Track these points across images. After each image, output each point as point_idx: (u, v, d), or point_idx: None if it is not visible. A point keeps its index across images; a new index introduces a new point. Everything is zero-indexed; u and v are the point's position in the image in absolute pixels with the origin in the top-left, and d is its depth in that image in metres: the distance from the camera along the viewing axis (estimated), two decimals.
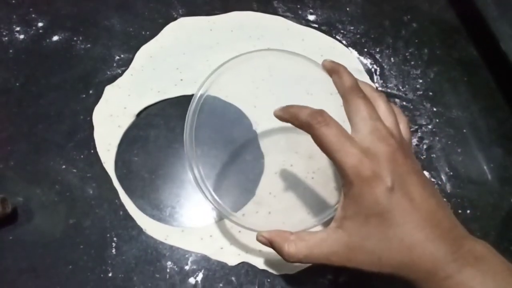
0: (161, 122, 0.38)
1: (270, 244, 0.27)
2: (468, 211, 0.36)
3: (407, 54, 0.46)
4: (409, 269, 0.22)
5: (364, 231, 0.23)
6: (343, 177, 0.24)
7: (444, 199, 0.26)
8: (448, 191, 0.37)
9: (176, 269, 0.32)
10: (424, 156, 0.39)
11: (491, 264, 0.22)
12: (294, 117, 0.27)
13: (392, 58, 0.45)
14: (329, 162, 0.37)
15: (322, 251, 0.25)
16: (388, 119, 0.26)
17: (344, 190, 0.24)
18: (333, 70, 0.29)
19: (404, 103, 0.42)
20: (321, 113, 0.25)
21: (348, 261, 0.24)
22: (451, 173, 0.38)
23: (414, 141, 0.40)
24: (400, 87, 0.43)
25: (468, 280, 0.21)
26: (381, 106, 0.27)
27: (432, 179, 0.38)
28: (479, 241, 0.23)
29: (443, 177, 0.38)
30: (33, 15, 0.43)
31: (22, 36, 0.42)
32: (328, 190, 0.36)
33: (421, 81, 0.44)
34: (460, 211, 0.36)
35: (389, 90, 0.43)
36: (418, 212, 0.22)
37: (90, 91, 0.39)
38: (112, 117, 0.38)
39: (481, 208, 0.37)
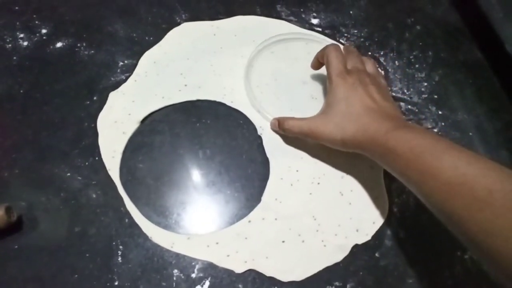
0: (166, 128, 0.38)
1: (277, 122, 0.37)
2: None
3: (411, 57, 0.45)
4: (361, 137, 0.32)
5: (335, 110, 0.34)
6: (329, 79, 0.36)
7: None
8: None
9: (183, 277, 0.32)
10: None
11: (420, 129, 0.32)
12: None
13: (396, 61, 0.45)
14: (334, 168, 0.37)
15: (307, 123, 0.35)
16: (370, 67, 0.38)
17: (328, 88, 0.36)
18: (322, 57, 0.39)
19: (409, 106, 0.42)
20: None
21: (323, 130, 0.34)
22: None
23: None
24: (405, 91, 0.43)
25: (402, 133, 0.30)
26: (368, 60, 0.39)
27: None
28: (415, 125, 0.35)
29: None
30: (36, 22, 0.43)
31: (26, 43, 0.41)
32: (334, 196, 0.36)
33: (426, 84, 0.44)
34: None
35: (393, 94, 0.43)
36: (371, 102, 0.33)
37: (94, 98, 0.39)
38: (116, 123, 0.38)
39: None
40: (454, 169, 0.26)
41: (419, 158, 0.28)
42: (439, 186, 0.27)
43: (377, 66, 0.41)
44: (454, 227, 0.27)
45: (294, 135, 0.37)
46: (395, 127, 0.31)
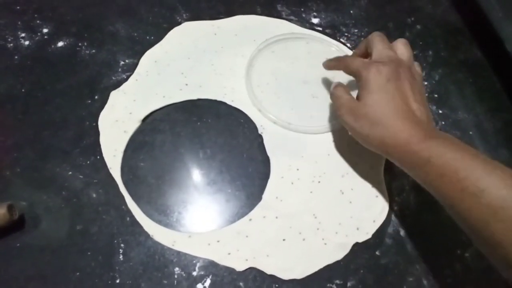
0: (167, 127, 0.38)
1: (340, 63, 0.37)
2: None
3: None
4: (389, 141, 0.31)
5: (368, 104, 0.32)
6: (358, 75, 0.34)
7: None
8: None
9: (184, 275, 0.32)
10: None
11: (454, 140, 0.30)
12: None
13: None
14: (334, 167, 0.37)
15: (347, 110, 0.34)
16: (403, 52, 0.35)
17: (359, 84, 0.34)
18: (339, 63, 0.37)
19: None
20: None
21: (354, 124, 0.33)
22: None
23: None
24: None
25: (435, 145, 0.29)
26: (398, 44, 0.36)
27: None
28: (447, 134, 0.31)
29: None
30: (38, 21, 0.43)
31: (27, 42, 0.42)
32: (334, 194, 0.36)
33: (426, 83, 0.44)
34: None
35: None
36: (404, 105, 0.31)
37: (96, 97, 0.39)
38: (117, 122, 0.38)
39: None
40: (494, 191, 0.25)
41: (456, 174, 0.27)
42: (478, 207, 0.26)
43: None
44: (491, 249, 0.26)
45: (333, 102, 0.36)
46: (428, 137, 0.29)
